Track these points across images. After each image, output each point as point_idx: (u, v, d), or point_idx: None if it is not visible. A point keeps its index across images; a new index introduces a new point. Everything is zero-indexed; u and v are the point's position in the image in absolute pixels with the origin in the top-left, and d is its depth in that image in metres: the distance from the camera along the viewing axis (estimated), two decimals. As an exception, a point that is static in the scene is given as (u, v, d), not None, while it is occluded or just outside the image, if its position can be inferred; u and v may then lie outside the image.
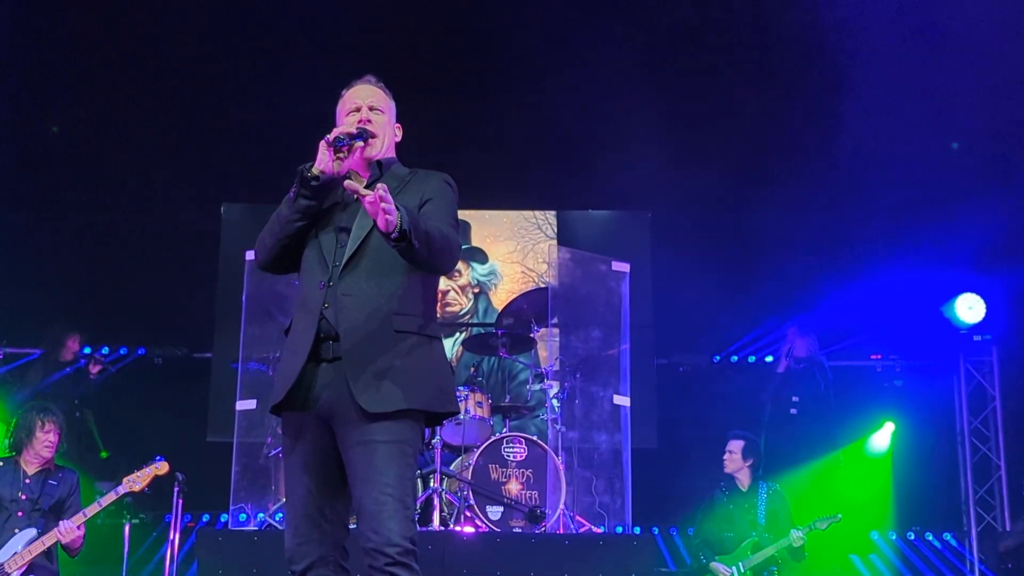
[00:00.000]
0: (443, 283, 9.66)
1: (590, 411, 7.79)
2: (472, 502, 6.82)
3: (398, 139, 3.64)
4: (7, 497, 6.05)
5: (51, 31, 8.92)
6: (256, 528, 7.35)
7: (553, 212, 10.27)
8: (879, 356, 9.74)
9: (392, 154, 3.60)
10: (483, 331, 9.32)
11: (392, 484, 3.20)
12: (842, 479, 8.89)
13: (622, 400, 7.79)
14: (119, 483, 6.09)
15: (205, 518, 9.23)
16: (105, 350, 9.38)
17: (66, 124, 9.33)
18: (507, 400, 8.25)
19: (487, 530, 6.75)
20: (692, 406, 9.54)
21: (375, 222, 3.09)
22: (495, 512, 6.86)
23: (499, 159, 9.53)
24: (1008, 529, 9.12)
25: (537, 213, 10.25)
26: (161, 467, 6.15)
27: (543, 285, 9.16)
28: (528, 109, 9.41)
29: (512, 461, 7.04)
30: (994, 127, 8.71)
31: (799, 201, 9.24)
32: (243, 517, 7.75)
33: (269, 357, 7.58)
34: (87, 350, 9.16)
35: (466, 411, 7.18)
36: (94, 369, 8.80)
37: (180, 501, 6.63)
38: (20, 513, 6.02)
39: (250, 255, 7.71)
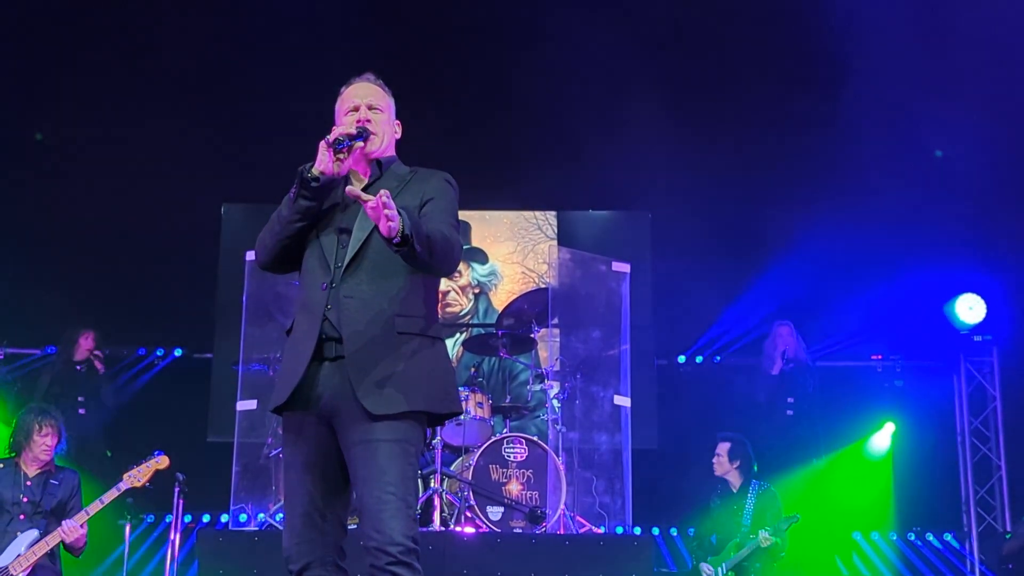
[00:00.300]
0: (443, 284, 9.65)
1: (590, 411, 7.79)
2: (472, 502, 6.82)
3: (398, 137, 3.63)
4: (9, 500, 6.04)
5: (52, 31, 8.93)
6: (256, 528, 7.35)
7: (553, 212, 10.27)
8: (880, 356, 9.74)
9: (392, 152, 3.59)
10: (483, 332, 9.32)
11: (394, 483, 3.20)
12: (843, 480, 8.89)
13: (622, 400, 7.79)
14: (119, 480, 6.08)
15: (205, 518, 9.22)
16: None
17: (67, 124, 9.31)
18: (507, 401, 8.26)
19: (487, 530, 6.75)
20: (692, 406, 9.54)
21: (373, 230, 3.12)
22: (495, 512, 6.87)
23: (499, 159, 9.53)
24: (1009, 530, 9.12)
25: (537, 213, 10.25)
26: (161, 461, 6.12)
27: (543, 286, 9.15)
28: (528, 109, 9.40)
29: (512, 461, 7.05)
30: (996, 127, 8.70)
31: (800, 201, 9.23)
32: (243, 517, 7.76)
33: (269, 357, 7.58)
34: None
35: (466, 412, 7.18)
36: (100, 367, 8.86)
37: (181, 501, 6.63)
38: (22, 516, 6.01)
39: (250, 255, 7.71)
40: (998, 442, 9.54)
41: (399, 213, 3.02)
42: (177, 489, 6.59)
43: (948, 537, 9.57)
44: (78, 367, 8.78)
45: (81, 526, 5.94)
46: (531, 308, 7.72)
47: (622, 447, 7.76)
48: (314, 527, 3.32)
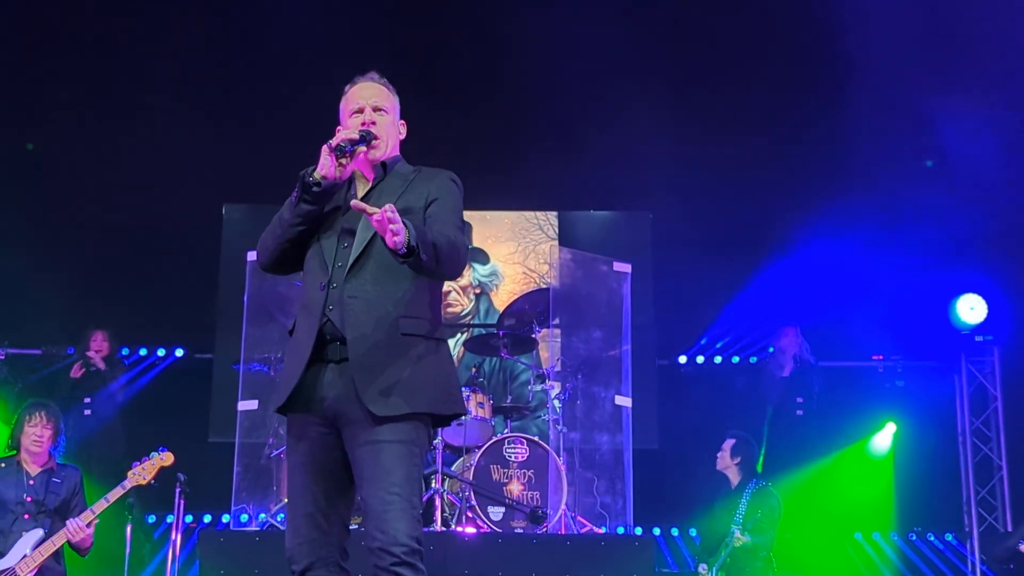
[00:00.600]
0: (445, 284, 9.62)
1: (591, 412, 7.79)
2: (473, 503, 6.82)
3: (402, 136, 3.61)
4: (12, 499, 6.02)
5: (53, 32, 8.94)
6: (258, 528, 7.35)
7: (554, 212, 10.26)
8: (881, 357, 9.73)
9: (396, 152, 3.58)
10: (484, 332, 9.31)
11: (399, 483, 3.20)
12: (844, 480, 8.90)
13: (623, 401, 7.79)
14: (124, 478, 6.06)
15: (207, 519, 9.23)
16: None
17: (68, 125, 9.31)
18: (508, 401, 8.25)
19: (488, 531, 6.75)
20: (694, 407, 9.54)
21: (375, 232, 3.13)
22: (496, 513, 6.87)
23: (500, 160, 9.52)
24: (1010, 530, 9.11)
25: (538, 214, 10.25)
26: (166, 457, 6.10)
27: (544, 286, 9.15)
28: (529, 109, 9.41)
29: (513, 462, 7.04)
30: (998, 126, 8.70)
31: (801, 201, 9.23)
32: (245, 518, 7.76)
33: (271, 358, 7.58)
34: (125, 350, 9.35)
35: (467, 412, 7.18)
36: (100, 364, 8.89)
37: (182, 502, 6.63)
38: (26, 515, 5.99)
39: (251, 256, 7.71)
40: (999, 442, 9.53)
41: (404, 225, 3.02)
42: (178, 489, 6.58)
43: (949, 537, 9.56)
44: (92, 368, 8.83)
45: (87, 526, 5.93)
46: (532, 308, 7.72)
47: (623, 447, 7.76)
48: (317, 528, 3.32)
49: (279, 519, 7.15)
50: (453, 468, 7.19)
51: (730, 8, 9.11)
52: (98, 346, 8.91)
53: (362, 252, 3.34)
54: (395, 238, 3.00)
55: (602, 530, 7.47)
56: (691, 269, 9.29)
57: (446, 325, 9.64)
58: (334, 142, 3.33)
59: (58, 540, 5.89)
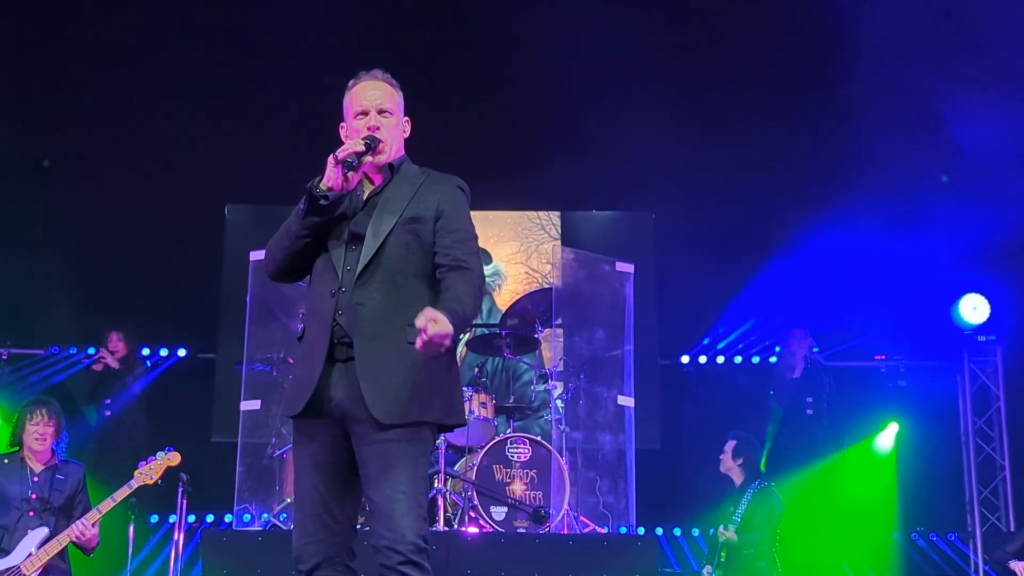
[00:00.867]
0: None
1: (594, 412, 7.80)
2: (476, 503, 6.82)
3: (406, 134, 3.61)
4: (17, 496, 6.02)
5: (54, 33, 8.94)
6: (260, 528, 7.35)
7: (557, 212, 10.27)
8: (883, 357, 9.73)
9: (402, 152, 3.58)
10: (487, 332, 9.30)
11: (406, 483, 3.22)
12: (847, 480, 8.89)
13: (626, 401, 7.80)
14: (131, 477, 6.07)
15: (209, 518, 9.23)
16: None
17: (67, 123, 9.32)
18: (511, 401, 8.26)
19: (491, 531, 6.75)
20: (696, 407, 9.55)
21: (387, 237, 3.28)
22: (499, 513, 6.87)
23: (502, 159, 9.52)
24: (1012, 531, 9.11)
25: (541, 214, 10.25)
26: (173, 457, 6.11)
27: (547, 286, 9.16)
28: (531, 109, 9.40)
29: (516, 462, 7.04)
30: (1001, 126, 8.69)
31: (804, 201, 9.23)
32: (247, 517, 7.75)
33: (273, 358, 7.58)
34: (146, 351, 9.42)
35: (470, 412, 7.18)
36: (113, 364, 8.93)
37: (184, 501, 6.64)
38: (31, 513, 6.00)
39: (254, 256, 7.72)
40: (1002, 442, 9.53)
41: (444, 326, 3.06)
42: (181, 489, 6.59)
43: (952, 537, 9.56)
44: (110, 367, 8.88)
45: (92, 525, 5.94)
46: (535, 308, 7.72)
47: (626, 447, 7.77)
48: (324, 527, 3.33)
49: (282, 519, 7.15)
50: (456, 468, 7.19)
51: (733, 7, 9.10)
52: (113, 346, 8.94)
53: (371, 259, 3.34)
54: (445, 343, 3.08)
55: (605, 530, 7.48)
56: (694, 269, 9.29)
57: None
58: (341, 155, 3.33)
59: (63, 539, 5.89)
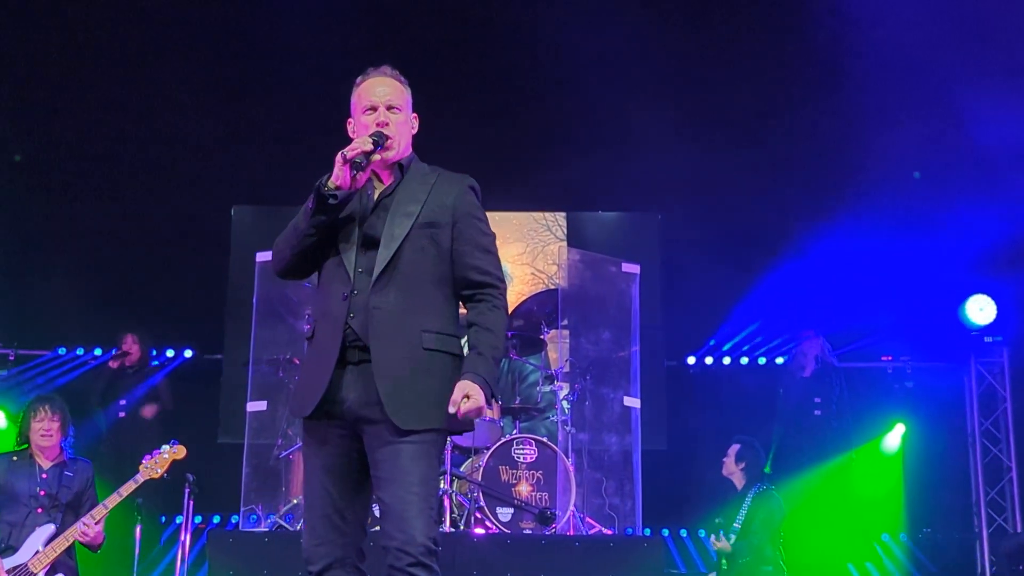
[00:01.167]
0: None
1: (600, 413, 7.79)
2: (482, 504, 6.82)
3: (415, 131, 3.59)
4: (26, 493, 6.02)
5: (54, 33, 8.96)
6: (267, 529, 7.36)
7: (563, 213, 10.26)
8: (890, 358, 9.72)
9: (409, 149, 3.56)
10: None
11: (417, 484, 3.23)
12: (854, 481, 8.88)
13: (632, 402, 7.79)
14: (136, 472, 6.06)
15: (216, 519, 9.25)
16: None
17: (71, 124, 9.34)
18: (517, 402, 8.24)
19: (497, 532, 6.75)
20: (702, 408, 9.54)
21: (403, 241, 3.32)
22: (505, 514, 6.87)
23: (508, 160, 9.53)
24: (1019, 531, 9.10)
25: (547, 214, 10.25)
26: (178, 451, 6.09)
27: (553, 287, 9.15)
28: (537, 110, 9.40)
29: (522, 463, 7.05)
30: (1003, 125, 8.68)
31: (810, 202, 9.22)
32: (254, 518, 7.76)
33: (279, 359, 7.58)
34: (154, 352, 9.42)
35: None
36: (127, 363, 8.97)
37: (191, 502, 6.63)
38: (39, 509, 6.00)
39: (260, 257, 7.73)
40: (1009, 443, 9.51)
41: (476, 401, 3.23)
42: (187, 490, 6.59)
43: (958, 539, 9.54)
44: (127, 369, 8.91)
45: (97, 522, 5.94)
46: (541, 309, 7.72)
47: (632, 448, 7.76)
48: (334, 528, 3.33)
49: (288, 520, 7.16)
50: (462, 469, 7.19)
51: (742, 10, 9.10)
52: (128, 348, 8.96)
53: (388, 263, 3.33)
54: (482, 414, 3.30)
55: (611, 531, 7.47)
56: (700, 270, 9.29)
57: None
58: (349, 154, 3.31)
59: (70, 536, 5.90)
